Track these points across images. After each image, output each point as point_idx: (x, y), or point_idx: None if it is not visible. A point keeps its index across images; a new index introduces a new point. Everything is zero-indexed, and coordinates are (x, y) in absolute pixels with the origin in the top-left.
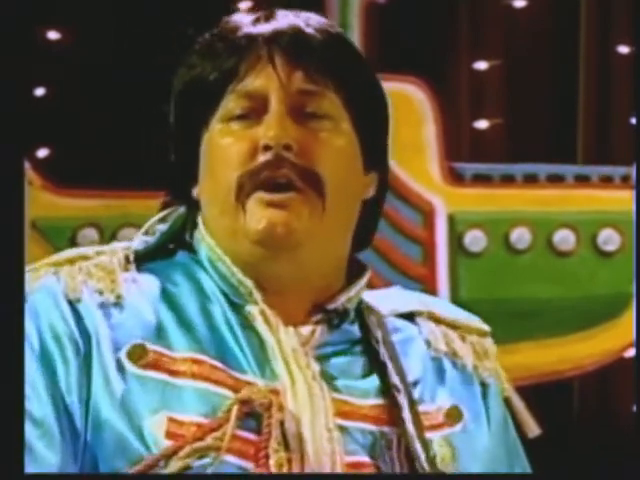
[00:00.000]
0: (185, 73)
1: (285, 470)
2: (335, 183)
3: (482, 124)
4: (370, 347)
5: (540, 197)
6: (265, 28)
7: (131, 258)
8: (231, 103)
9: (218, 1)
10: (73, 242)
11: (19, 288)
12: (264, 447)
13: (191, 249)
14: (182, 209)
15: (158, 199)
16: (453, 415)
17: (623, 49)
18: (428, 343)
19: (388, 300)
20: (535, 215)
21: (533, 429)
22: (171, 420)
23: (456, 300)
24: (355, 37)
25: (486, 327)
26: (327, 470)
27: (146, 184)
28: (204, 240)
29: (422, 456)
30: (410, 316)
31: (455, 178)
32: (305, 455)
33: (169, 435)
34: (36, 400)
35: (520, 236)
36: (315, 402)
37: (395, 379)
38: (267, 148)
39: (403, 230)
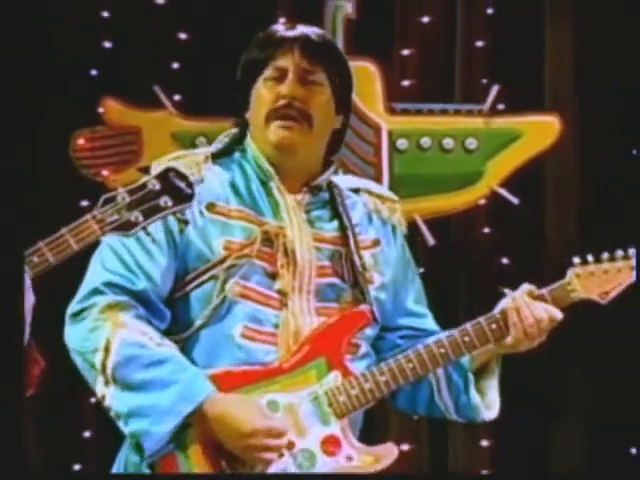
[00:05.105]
0: (249, 53)
1: (285, 271)
2: (319, 118)
3: (406, 83)
4: (333, 205)
5: (436, 121)
6: (292, 33)
7: (209, 156)
8: (270, 72)
9: (268, 16)
10: (193, 144)
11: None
12: (275, 254)
13: (242, 150)
14: (236, 129)
15: (231, 121)
16: (376, 242)
17: (479, 43)
18: (365, 205)
19: (345, 181)
20: (433, 131)
21: (429, 240)
22: (226, 241)
23: (391, 176)
24: (340, 36)
25: (396, 198)
26: (307, 269)
27: (228, 112)
28: (249, 145)
29: (358, 262)
30: (356, 190)
31: (392, 111)
32: (297, 260)
33: (225, 248)
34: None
35: (425, 142)
36: (303, 233)
37: (346, 222)
38: (284, 97)
39: (364, 139)
